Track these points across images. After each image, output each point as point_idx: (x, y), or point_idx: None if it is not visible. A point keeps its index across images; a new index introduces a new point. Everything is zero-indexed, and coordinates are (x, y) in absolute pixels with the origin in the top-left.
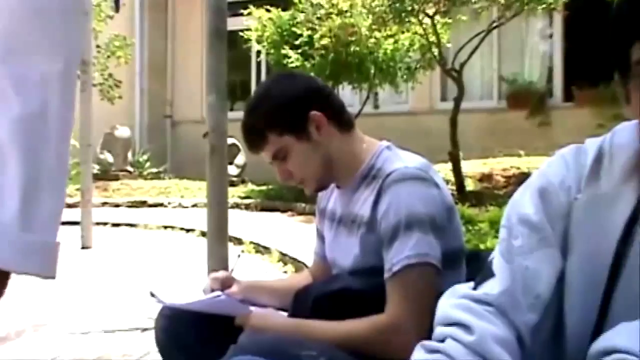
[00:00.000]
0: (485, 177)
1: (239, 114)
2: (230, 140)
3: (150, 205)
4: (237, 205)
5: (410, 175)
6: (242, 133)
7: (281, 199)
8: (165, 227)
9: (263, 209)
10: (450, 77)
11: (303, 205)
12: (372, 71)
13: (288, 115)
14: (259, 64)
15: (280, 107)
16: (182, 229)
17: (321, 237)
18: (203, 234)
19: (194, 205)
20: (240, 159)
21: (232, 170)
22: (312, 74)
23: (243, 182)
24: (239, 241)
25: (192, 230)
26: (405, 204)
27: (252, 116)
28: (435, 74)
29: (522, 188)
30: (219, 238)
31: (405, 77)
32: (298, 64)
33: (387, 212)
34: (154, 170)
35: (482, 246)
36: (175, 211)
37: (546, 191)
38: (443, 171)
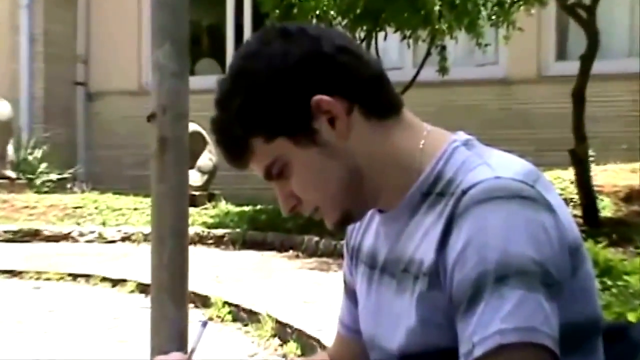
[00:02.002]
0: (636, 195)
1: (205, 82)
2: (191, 127)
3: (48, 239)
4: (202, 240)
5: (505, 192)
6: (213, 136)
7: (277, 228)
8: (74, 277)
9: (246, 246)
10: (576, 18)
11: (315, 239)
12: (437, 7)
13: (277, 107)
14: None
15: (264, 96)
16: (104, 279)
17: (351, 295)
18: (142, 288)
19: (126, 239)
20: (207, 159)
21: (194, 177)
22: (331, 14)
23: (212, 198)
24: (205, 302)
25: (122, 282)
26: (497, 240)
27: (224, 112)
28: (547, 15)
29: None
30: (171, 296)
31: (494, 19)
32: None
33: (464, 254)
34: (55, 176)
35: (631, 316)
36: (91, 248)
37: None
38: (560, 184)
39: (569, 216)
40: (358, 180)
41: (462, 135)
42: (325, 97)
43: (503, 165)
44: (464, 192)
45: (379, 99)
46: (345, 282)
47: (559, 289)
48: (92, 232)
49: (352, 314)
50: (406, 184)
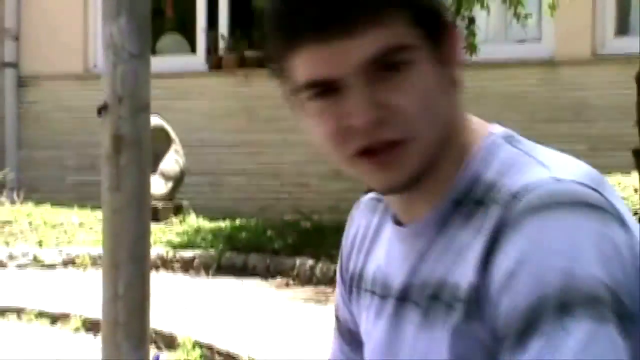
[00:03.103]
0: None
1: (169, 63)
2: (153, 121)
3: None
4: (165, 263)
5: (569, 198)
6: None
7: (261, 248)
8: (2, 312)
9: (222, 271)
10: None
11: (310, 263)
12: None
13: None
14: None
15: None
16: (41, 314)
17: (345, 334)
18: (90, 326)
19: (69, 263)
20: (173, 161)
21: (156, 184)
22: None
23: (178, 211)
24: (169, 342)
25: (64, 317)
26: (560, 259)
27: None
28: None
29: None
30: (128, 335)
31: None
32: None
33: (516, 275)
34: None
35: None
36: (24, 274)
37: None
38: (621, 191)
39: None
40: (445, 139)
41: (499, 129)
42: (459, 28)
43: (561, 165)
44: (515, 197)
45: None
46: (337, 318)
47: (632, 322)
48: (25, 255)
49: (345, 356)
50: (441, 187)
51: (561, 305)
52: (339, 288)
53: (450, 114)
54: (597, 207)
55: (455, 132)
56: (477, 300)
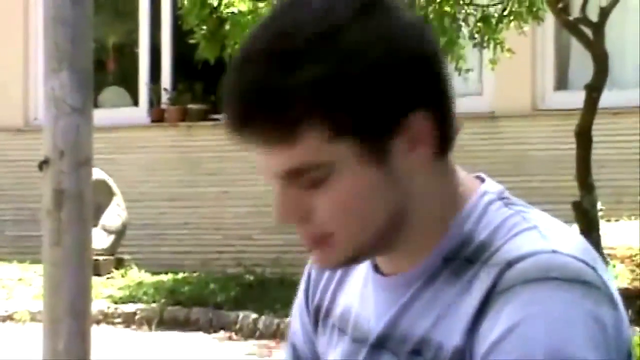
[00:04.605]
0: None
1: (111, 116)
2: (95, 175)
3: None
4: (107, 318)
5: (565, 274)
6: (234, 95)
7: (204, 302)
8: None
9: (165, 326)
10: (579, 38)
11: (253, 317)
12: None
13: (368, 104)
14: (156, 7)
15: (359, 84)
16: None
17: None
18: None
19: (7, 318)
20: (114, 214)
21: (98, 238)
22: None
23: (120, 264)
24: None
25: None
26: (549, 335)
27: (284, 76)
28: (545, 32)
29: None
30: None
31: (477, 38)
32: (244, 7)
33: (501, 344)
34: None
35: None
36: None
37: None
38: None
39: (623, 307)
40: (398, 225)
41: (493, 185)
42: (424, 118)
43: (558, 236)
44: (510, 264)
45: (452, 128)
46: (293, 347)
47: None
48: None
49: None
50: (431, 242)
51: None
52: (297, 319)
53: (391, 206)
54: (591, 285)
55: (434, 204)
56: None
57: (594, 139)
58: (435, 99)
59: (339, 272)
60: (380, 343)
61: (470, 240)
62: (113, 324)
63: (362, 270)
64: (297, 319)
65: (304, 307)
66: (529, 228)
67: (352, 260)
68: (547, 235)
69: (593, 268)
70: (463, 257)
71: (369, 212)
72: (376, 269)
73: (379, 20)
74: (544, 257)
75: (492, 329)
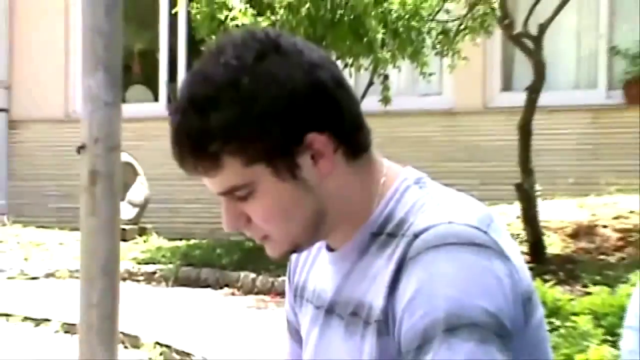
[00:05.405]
0: (584, 231)
1: (136, 110)
2: (122, 158)
3: None
4: (132, 276)
5: (458, 239)
6: (172, 138)
7: (211, 264)
8: None
9: (179, 283)
10: (522, 49)
11: (252, 276)
12: (380, 35)
13: (269, 135)
14: (173, 19)
15: (259, 120)
16: (26, 318)
17: (295, 335)
18: (68, 328)
19: (50, 275)
20: (138, 191)
21: (125, 210)
22: None
23: (143, 232)
24: (135, 342)
25: (46, 321)
26: (448, 290)
27: (199, 121)
28: (493, 44)
29: None
30: (100, 337)
31: (438, 48)
32: (247, 20)
33: (413, 302)
34: None
35: (579, 358)
36: (12, 285)
37: None
38: (505, 219)
39: (522, 262)
40: (321, 219)
41: (413, 173)
42: (319, 136)
43: (456, 209)
44: (416, 236)
45: (359, 137)
46: (288, 321)
47: (513, 338)
48: (12, 270)
49: (297, 354)
50: (361, 220)
51: (448, 328)
52: (288, 296)
53: (309, 208)
54: (482, 245)
55: (352, 197)
56: (386, 321)
57: (534, 132)
58: (328, 120)
59: (312, 254)
60: (331, 308)
61: (391, 218)
62: (137, 281)
63: (324, 256)
64: (286, 298)
65: (289, 289)
66: (433, 205)
67: (292, 250)
68: (447, 210)
69: (485, 232)
70: (386, 233)
71: (292, 215)
72: (328, 248)
73: (271, 65)
74: (442, 227)
75: (405, 290)
